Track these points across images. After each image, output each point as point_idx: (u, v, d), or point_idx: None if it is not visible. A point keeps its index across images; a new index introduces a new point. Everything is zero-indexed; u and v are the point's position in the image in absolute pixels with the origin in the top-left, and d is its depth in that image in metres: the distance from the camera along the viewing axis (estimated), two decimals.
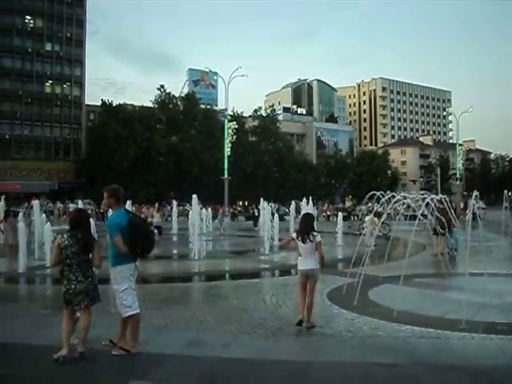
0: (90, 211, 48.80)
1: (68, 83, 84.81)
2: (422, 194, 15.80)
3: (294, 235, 8.99)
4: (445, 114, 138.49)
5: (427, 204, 14.37)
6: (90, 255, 6.90)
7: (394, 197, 14.81)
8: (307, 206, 31.07)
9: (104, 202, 7.33)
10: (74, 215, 7.38)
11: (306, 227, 8.87)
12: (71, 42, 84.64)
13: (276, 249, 21.68)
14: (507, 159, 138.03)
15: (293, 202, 32.55)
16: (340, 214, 29.76)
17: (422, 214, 14.90)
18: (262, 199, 31.19)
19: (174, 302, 10.86)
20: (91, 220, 7.93)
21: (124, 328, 7.04)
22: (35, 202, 22.68)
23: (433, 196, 16.51)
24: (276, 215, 25.87)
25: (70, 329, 6.77)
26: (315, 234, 8.77)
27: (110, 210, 7.36)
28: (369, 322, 8.90)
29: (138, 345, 6.92)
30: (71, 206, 50.00)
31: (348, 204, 44.00)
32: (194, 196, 22.18)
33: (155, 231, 23.86)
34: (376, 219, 25.90)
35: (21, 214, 22.62)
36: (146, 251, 7.01)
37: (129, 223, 6.80)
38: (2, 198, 30.20)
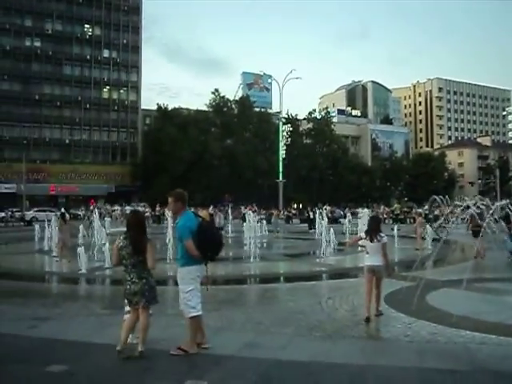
0: (146, 214, 49.80)
1: (125, 88, 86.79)
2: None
3: (363, 234, 9.96)
4: (504, 113, 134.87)
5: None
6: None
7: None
8: (364, 211, 30.96)
9: (170, 207, 7.40)
10: (129, 217, 7.55)
11: (374, 228, 9.84)
12: (128, 48, 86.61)
13: (331, 252, 21.53)
14: None
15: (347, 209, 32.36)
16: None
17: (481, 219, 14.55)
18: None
19: (230, 303, 10.92)
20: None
21: (201, 327, 7.15)
22: (101, 206, 23.24)
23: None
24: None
25: (130, 327, 6.92)
26: (382, 235, 9.68)
27: (176, 213, 7.37)
28: (427, 326, 8.72)
29: (195, 346, 6.98)
30: (127, 209, 51.03)
31: (395, 206, 42.98)
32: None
33: None
34: (424, 221, 25.58)
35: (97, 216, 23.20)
36: (215, 254, 7.08)
37: (200, 228, 6.87)
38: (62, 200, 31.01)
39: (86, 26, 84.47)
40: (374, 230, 9.73)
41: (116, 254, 7.03)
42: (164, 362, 6.68)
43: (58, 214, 23.22)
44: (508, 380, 6.10)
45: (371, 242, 9.59)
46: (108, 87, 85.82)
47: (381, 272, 9.66)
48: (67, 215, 23.17)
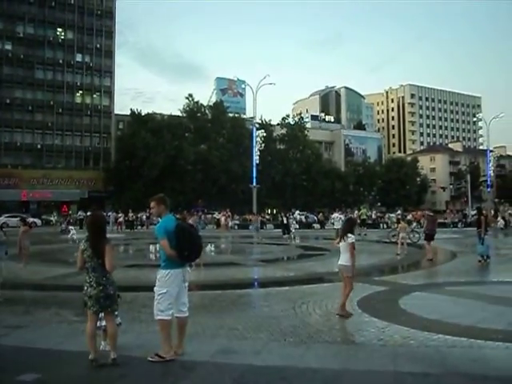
0: (120, 219, 49.49)
1: (98, 93, 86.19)
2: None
3: None
4: (475, 120, 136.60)
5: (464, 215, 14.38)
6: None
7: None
8: (337, 215, 31.29)
9: (153, 211, 7.43)
10: (87, 219, 7.55)
11: (345, 228, 10.43)
12: (101, 52, 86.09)
13: (304, 257, 21.64)
14: None
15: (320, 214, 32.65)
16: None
17: (453, 222, 14.79)
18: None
19: (204, 309, 10.89)
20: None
21: (181, 334, 7.15)
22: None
23: None
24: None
25: (91, 333, 6.80)
26: (349, 235, 10.02)
27: (159, 216, 7.35)
28: (400, 330, 8.80)
29: (172, 351, 6.93)
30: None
31: (362, 211, 42.97)
32: None
33: None
34: (406, 226, 25.96)
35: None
36: (193, 255, 7.08)
37: (176, 228, 6.88)
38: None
39: (59, 29, 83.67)
40: (344, 231, 10.32)
41: (80, 258, 6.96)
42: (138, 369, 6.64)
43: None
44: (478, 382, 6.19)
45: (339, 242, 10.20)
46: (81, 92, 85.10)
47: (345, 271, 10.06)
48: (29, 220, 22.97)
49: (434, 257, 19.91)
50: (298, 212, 54.96)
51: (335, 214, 33.37)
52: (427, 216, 21.52)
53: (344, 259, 10.02)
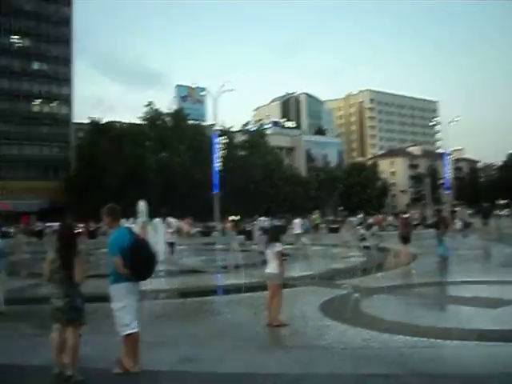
0: (81, 229, 48.72)
1: (56, 102, 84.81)
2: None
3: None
4: (432, 124, 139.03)
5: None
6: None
7: None
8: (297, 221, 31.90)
9: (104, 222, 7.21)
10: (58, 229, 7.43)
11: (270, 236, 10.35)
12: (58, 60, 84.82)
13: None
14: (494, 168, 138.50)
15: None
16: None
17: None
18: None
19: (165, 318, 10.82)
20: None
21: (135, 350, 6.96)
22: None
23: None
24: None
25: (57, 345, 6.67)
26: (277, 244, 9.90)
27: (111, 228, 7.06)
28: (361, 333, 8.90)
29: (138, 364, 6.80)
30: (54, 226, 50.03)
31: (314, 217, 42.90)
32: None
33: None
34: (353, 222, 26.54)
35: None
36: (147, 274, 6.79)
37: (131, 245, 6.55)
38: None
39: (15, 37, 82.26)
40: (269, 239, 10.23)
41: (47, 268, 6.83)
42: (100, 381, 6.55)
43: None
44: (438, 381, 6.29)
45: (266, 249, 10.12)
46: (38, 100, 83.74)
47: (271, 279, 9.92)
48: None
49: (397, 259, 20.16)
50: (263, 218, 54.79)
51: (297, 220, 33.54)
52: (401, 219, 21.99)
53: (271, 267, 9.88)
